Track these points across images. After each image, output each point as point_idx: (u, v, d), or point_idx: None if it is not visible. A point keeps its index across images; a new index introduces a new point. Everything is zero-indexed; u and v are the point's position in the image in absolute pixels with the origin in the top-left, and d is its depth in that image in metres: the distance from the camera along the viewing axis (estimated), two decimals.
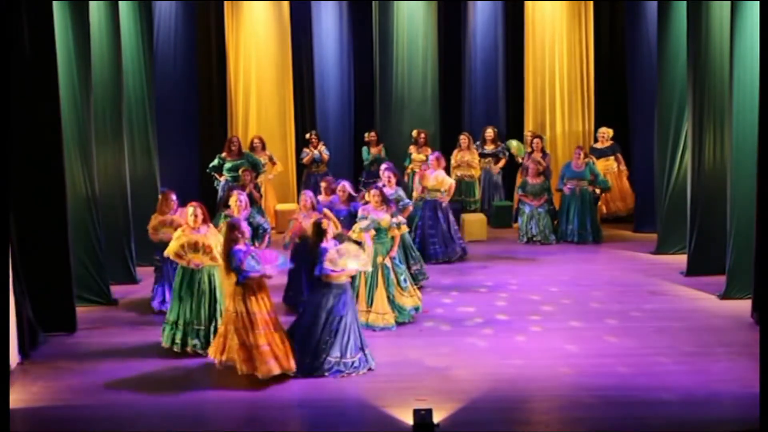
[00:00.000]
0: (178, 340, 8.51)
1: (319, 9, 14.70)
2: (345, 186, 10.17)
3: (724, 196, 10.11)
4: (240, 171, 12.10)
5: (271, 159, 13.51)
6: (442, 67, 14.86)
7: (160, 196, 9.88)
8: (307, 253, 8.53)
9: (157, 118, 11.84)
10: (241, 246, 7.83)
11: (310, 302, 8.16)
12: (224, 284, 8.59)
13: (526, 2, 14.61)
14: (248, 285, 7.82)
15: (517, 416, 7.25)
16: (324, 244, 8.04)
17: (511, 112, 15.02)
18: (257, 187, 12.08)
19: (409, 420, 6.53)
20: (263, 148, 13.46)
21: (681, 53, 11.39)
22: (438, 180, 11.77)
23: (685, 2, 11.00)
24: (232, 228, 7.92)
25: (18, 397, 7.47)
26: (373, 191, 9.64)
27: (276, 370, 7.75)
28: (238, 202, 9.56)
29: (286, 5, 14.60)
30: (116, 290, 10.49)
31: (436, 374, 7.94)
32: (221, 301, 8.54)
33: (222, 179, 12.67)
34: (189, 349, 8.49)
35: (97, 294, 10.16)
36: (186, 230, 8.63)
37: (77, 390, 7.80)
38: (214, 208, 10.78)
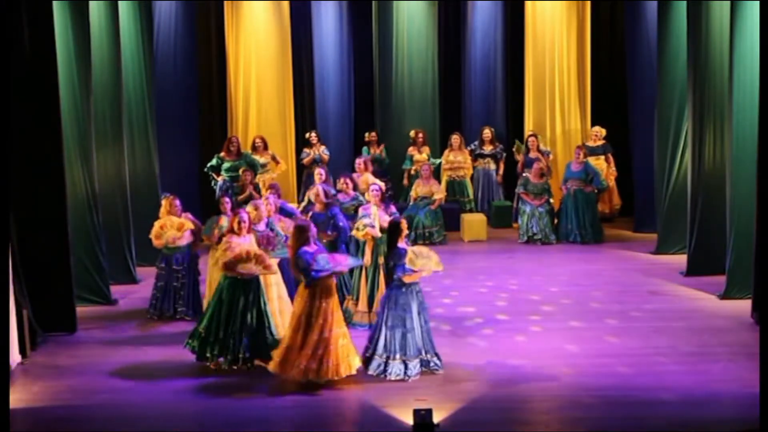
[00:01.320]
0: (214, 353, 8.07)
1: (319, 9, 14.70)
2: (319, 191, 9.83)
3: (724, 196, 10.11)
4: (240, 171, 12.10)
5: (274, 158, 13.50)
6: (442, 67, 14.86)
7: (163, 201, 9.81)
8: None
9: (157, 118, 11.84)
10: (309, 247, 7.76)
11: (395, 303, 7.88)
12: (212, 274, 9.06)
13: (526, 2, 14.61)
14: (316, 287, 7.71)
15: (517, 416, 7.25)
16: (401, 245, 7.92)
17: (510, 112, 15.03)
18: (257, 188, 12.08)
19: (409, 420, 6.53)
20: (265, 147, 13.46)
21: (681, 53, 11.39)
22: (366, 183, 11.16)
23: (685, 2, 11.01)
24: (303, 230, 7.81)
25: (18, 397, 7.46)
26: (372, 188, 9.72)
27: (332, 375, 7.67)
28: (260, 207, 9.30)
29: (286, 5, 14.60)
30: (116, 290, 10.49)
31: (436, 374, 7.93)
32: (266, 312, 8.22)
33: (220, 179, 12.67)
34: (224, 365, 8.09)
35: (97, 294, 10.16)
36: (231, 240, 8.23)
37: (77, 390, 7.80)
38: (212, 208, 10.76)
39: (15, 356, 8.22)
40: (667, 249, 12.01)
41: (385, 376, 7.81)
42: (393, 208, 9.74)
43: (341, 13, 14.80)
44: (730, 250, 9.93)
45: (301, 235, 7.78)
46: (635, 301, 10.08)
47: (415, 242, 12.18)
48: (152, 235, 9.61)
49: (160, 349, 8.78)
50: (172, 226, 9.58)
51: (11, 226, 8.34)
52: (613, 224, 13.98)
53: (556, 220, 13.26)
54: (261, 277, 8.24)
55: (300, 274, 7.73)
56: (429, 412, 6.33)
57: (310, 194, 9.86)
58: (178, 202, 9.69)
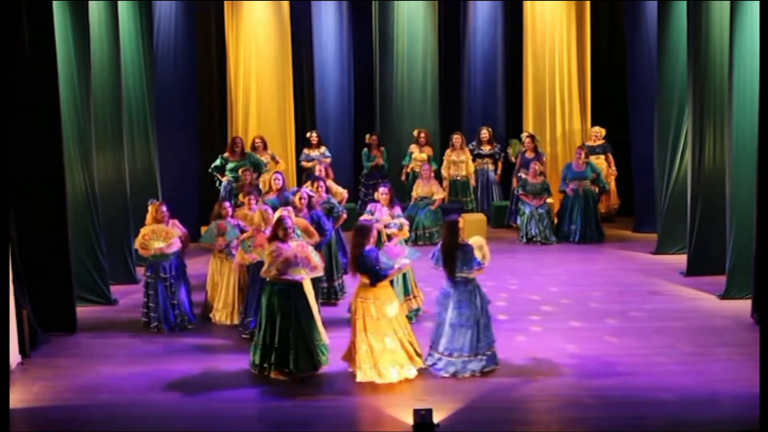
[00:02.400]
0: (272, 362, 7.91)
1: (319, 9, 14.70)
2: (303, 194, 9.71)
3: (724, 196, 10.10)
4: (240, 171, 12.10)
5: (273, 158, 13.52)
6: (442, 67, 14.86)
7: (149, 207, 9.48)
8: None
9: (157, 118, 11.84)
10: (371, 247, 7.80)
11: (462, 300, 7.91)
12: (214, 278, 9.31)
13: (525, 2, 14.61)
14: (378, 286, 7.75)
15: (517, 416, 7.25)
16: (465, 242, 7.98)
17: (510, 112, 15.03)
18: (258, 188, 12.07)
19: (409, 420, 6.53)
20: (265, 147, 13.47)
21: (681, 53, 11.39)
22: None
23: (685, 2, 11.01)
24: (366, 230, 7.83)
25: (18, 397, 7.47)
26: (381, 190, 9.90)
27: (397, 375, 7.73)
28: (302, 198, 9.50)
29: (286, 5, 14.60)
30: (116, 290, 10.50)
31: (436, 374, 7.93)
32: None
33: (224, 179, 12.68)
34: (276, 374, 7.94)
35: (97, 294, 10.16)
36: (278, 246, 7.93)
37: (77, 390, 7.80)
38: (211, 209, 10.74)
39: (15, 356, 8.23)
40: (667, 249, 12.02)
41: (442, 372, 7.88)
42: (398, 210, 9.86)
43: (341, 13, 14.80)
44: (730, 250, 9.93)
45: (364, 234, 7.79)
46: (635, 301, 10.08)
47: (415, 243, 12.20)
48: (137, 245, 9.37)
49: (160, 349, 8.79)
50: (158, 236, 9.27)
51: (11, 226, 8.34)
52: (613, 224, 13.98)
53: (556, 220, 13.26)
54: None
55: (364, 274, 7.74)
56: (429, 412, 6.34)
57: (294, 198, 9.82)
58: (165, 208, 9.42)
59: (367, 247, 7.74)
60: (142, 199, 11.36)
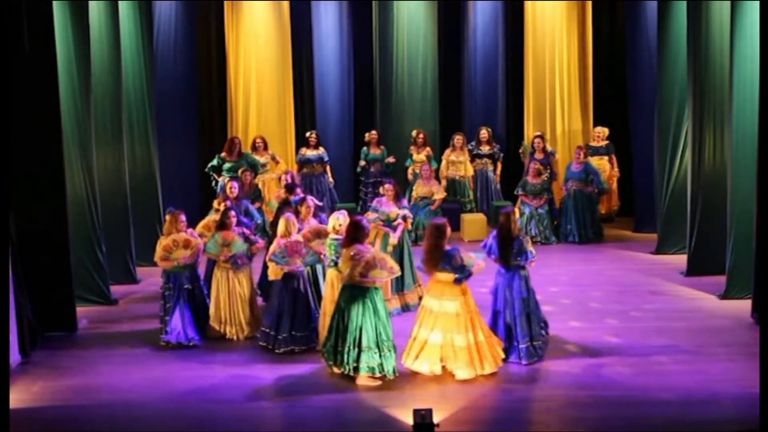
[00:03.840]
0: (359, 365, 7.82)
1: (319, 9, 14.69)
2: (309, 202, 9.62)
3: (724, 196, 10.11)
4: (239, 172, 12.09)
5: (273, 158, 13.52)
6: (442, 67, 14.85)
7: (167, 216, 9.10)
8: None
9: (157, 118, 11.84)
10: (453, 245, 7.90)
11: (520, 288, 8.23)
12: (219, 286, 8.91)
13: (526, 2, 14.60)
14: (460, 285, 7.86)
15: (517, 416, 7.25)
16: (519, 233, 8.33)
17: (511, 112, 15.02)
18: (257, 189, 12.08)
19: (409, 420, 6.53)
20: (265, 147, 13.47)
21: (681, 53, 11.39)
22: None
23: (685, 2, 11.00)
24: (443, 229, 7.87)
25: (18, 397, 7.47)
26: (386, 186, 10.11)
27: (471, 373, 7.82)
28: (307, 207, 9.36)
29: (286, 5, 14.59)
30: (116, 290, 10.49)
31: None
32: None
33: (221, 179, 12.67)
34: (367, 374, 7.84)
35: (97, 294, 10.16)
36: (358, 248, 7.85)
37: (77, 390, 7.80)
38: (209, 209, 10.75)
39: (15, 356, 8.23)
40: (667, 249, 12.01)
41: (525, 361, 8.11)
42: (404, 202, 10.13)
43: (341, 13, 14.79)
44: (730, 250, 9.93)
45: (441, 233, 7.86)
46: (635, 301, 10.08)
47: (415, 243, 12.19)
48: (158, 258, 8.89)
49: (159, 349, 8.78)
50: (178, 245, 8.87)
51: (11, 226, 8.34)
52: (613, 224, 13.98)
53: (555, 221, 13.25)
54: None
55: (446, 271, 7.80)
56: (429, 412, 6.33)
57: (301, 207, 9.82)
58: (183, 217, 9.02)
59: (449, 246, 7.85)
60: (142, 199, 11.40)
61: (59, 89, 9.14)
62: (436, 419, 6.39)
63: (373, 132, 14.20)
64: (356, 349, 7.75)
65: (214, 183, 12.85)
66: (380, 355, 7.77)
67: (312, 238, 8.83)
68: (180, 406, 7.46)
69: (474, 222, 13.34)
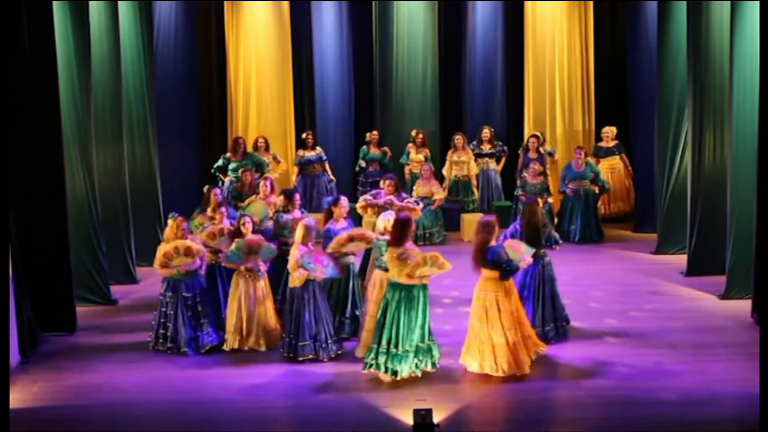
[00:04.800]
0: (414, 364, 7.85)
1: (319, 9, 14.69)
2: (344, 202, 9.54)
3: (724, 196, 10.11)
4: (239, 172, 12.09)
5: (275, 158, 13.53)
6: (442, 67, 14.85)
7: (169, 221, 8.79)
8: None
9: (156, 118, 11.84)
10: (498, 243, 8.01)
11: (549, 275, 8.70)
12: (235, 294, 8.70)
13: (526, 2, 14.59)
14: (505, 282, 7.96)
15: (516, 416, 7.25)
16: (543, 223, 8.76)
17: (511, 111, 15.02)
18: (258, 189, 12.07)
19: (409, 420, 6.53)
20: (267, 148, 13.48)
21: (681, 53, 11.39)
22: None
23: (685, 2, 11.00)
24: (492, 226, 7.93)
25: (18, 397, 7.47)
26: (387, 180, 10.39)
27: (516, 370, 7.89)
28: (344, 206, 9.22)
29: (286, 5, 14.60)
30: (116, 290, 10.49)
31: (436, 374, 7.93)
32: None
33: (227, 180, 12.68)
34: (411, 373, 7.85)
35: (97, 294, 10.16)
36: (407, 248, 7.85)
37: (77, 390, 7.80)
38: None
39: (15, 356, 8.23)
40: (667, 249, 12.01)
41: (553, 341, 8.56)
42: (405, 195, 10.37)
43: (341, 13, 14.79)
44: (730, 250, 9.93)
45: (490, 230, 7.92)
46: (635, 301, 10.08)
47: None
48: (157, 265, 8.59)
49: (161, 349, 8.78)
50: (179, 252, 8.54)
51: (11, 226, 8.34)
52: (613, 224, 13.96)
53: (556, 220, 13.25)
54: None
55: (493, 269, 7.87)
56: (429, 412, 6.33)
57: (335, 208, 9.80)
58: (186, 225, 8.81)
59: (495, 243, 7.95)
60: (142, 199, 11.40)
61: (59, 89, 9.14)
62: (436, 419, 6.39)
63: (375, 132, 14.20)
64: (403, 349, 7.75)
65: (220, 183, 12.86)
66: (428, 352, 7.87)
67: (345, 243, 8.61)
68: (180, 406, 7.47)
69: (474, 222, 13.29)
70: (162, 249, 8.62)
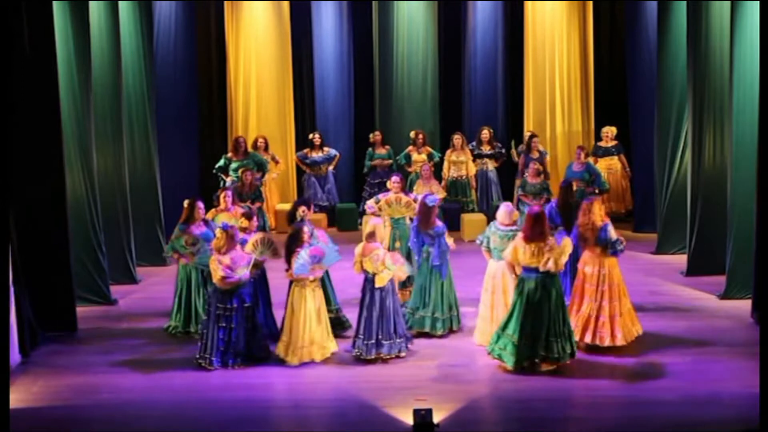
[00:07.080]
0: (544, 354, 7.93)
1: (319, 9, 14.69)
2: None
3: (724, 196, 10.11)
4: (239, 171, 12.09)
5: (273, 158, 13.54)
6: (442, 67, 14.85)
7: (219, 233, 8.31)
8: None
9: (157, 118, 11.84)
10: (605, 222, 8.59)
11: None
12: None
13: (526, 2, 14.59)
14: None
15: (517, 416, 7.25)
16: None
17: (510, 112, 15.01)
18: (259, 189, 12.09)
19: (409, 420, 6.53)
20: (266, 148, 13.49)
21: (681, 53, 11.39)
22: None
23: (685, 2, 11.00)
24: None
25: (18, 397, 7.47)
26: (393, 179, 10.27)
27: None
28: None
29: (286, 5, 14.59)
30: (116, 290, 10.49)
31: (436, 374, 7.93)
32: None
33: (228, 179, 12.68)
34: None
35: (97, 294, 10.16)
36: (549, 240, 7.89)
37: (77, 390, 7.81)
38: (208, 209, 10.72)
39: (15, 356, 8.23)
40: (667, 249, 12.01)
41: None
42: (412, 195, 10.33)
43: (341, 13, 14.78)
44: (730, 250, 9.93)
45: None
46: (635, 301, 10.04)
47: None
48: (217, 279, 8.11)
49: (161, 349, 8.78)
50: (237, 262, 8.18)
51: (11, 226, 8.34)
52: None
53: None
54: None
55: (601, 246, 8.43)
56: (429, 412, 6.33)
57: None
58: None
59: (602, 223, 8.48)
60: (142, 199, 11.40)
61: (59, 89, 9.14)
62: (436, 419, 6.39)
63: (377, 133, 14.20)
64: (557, 338, 7.91)
65: (222, 183, 12.87)
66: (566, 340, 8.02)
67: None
68: (180, 406, 7.47)
69: (474, 222, 13.33)
70: (221, 260, 8.12)
